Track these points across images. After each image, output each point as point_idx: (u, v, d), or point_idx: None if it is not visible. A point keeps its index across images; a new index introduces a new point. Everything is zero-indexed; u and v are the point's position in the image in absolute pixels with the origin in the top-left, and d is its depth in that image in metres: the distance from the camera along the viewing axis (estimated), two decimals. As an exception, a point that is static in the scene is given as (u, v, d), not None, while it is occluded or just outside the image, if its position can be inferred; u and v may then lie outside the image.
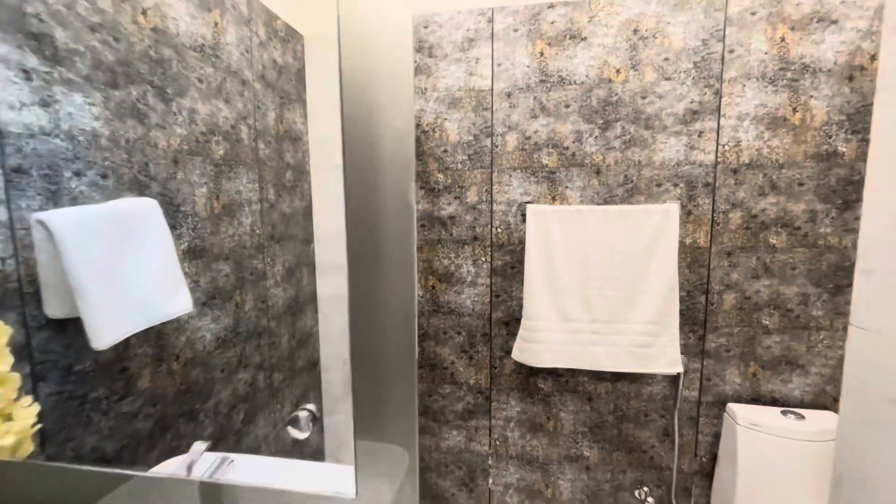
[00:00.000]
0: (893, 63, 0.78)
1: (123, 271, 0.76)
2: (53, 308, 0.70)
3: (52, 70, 0.73)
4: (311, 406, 1.34)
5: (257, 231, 1.26)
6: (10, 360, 0.62)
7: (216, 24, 1.08)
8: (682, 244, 1.36)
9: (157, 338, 0.90)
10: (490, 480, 1.59)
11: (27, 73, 0.70)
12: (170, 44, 0.94)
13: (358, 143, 0.50)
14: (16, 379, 0.62)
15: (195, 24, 1.02)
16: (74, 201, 0.75)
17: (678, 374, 1.38)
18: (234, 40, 1.14)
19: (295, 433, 1.17)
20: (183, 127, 0.98)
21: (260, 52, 1.25)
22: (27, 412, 0.62)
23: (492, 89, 1.42)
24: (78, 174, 0.76)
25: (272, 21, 1.29)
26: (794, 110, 1.27)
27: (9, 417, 0.61)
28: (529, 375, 1.51)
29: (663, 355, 1.35)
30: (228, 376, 1.11)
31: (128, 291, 0.77)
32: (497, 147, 1.44)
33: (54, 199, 0.73)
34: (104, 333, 0.72)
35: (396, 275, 0.55)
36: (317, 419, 1.27)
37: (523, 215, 1.44)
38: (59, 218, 0.67)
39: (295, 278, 1.41)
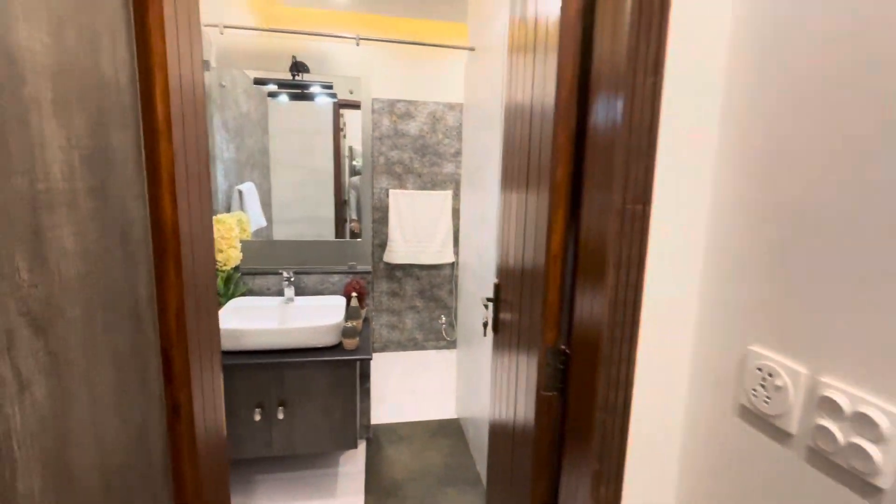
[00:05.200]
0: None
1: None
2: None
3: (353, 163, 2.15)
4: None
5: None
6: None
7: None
8: (453, 209, 3.23)
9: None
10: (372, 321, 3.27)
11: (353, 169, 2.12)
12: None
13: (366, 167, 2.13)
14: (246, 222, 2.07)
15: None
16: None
17: (453, 263, 3.26)
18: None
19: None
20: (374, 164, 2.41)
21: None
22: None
23: (371, 136, 3.07)
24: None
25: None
26: (493, 155, 3.22)
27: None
28: (392, 269, 3.23)
29: (448, 255, 3.20)
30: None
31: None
32: (375, 163, 3.10)
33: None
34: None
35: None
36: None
37: (387, 195, 3.13)
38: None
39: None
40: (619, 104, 0.61)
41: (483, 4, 1.92)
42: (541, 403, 0.83)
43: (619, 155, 0.62)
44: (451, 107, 3.12)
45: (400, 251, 3.14)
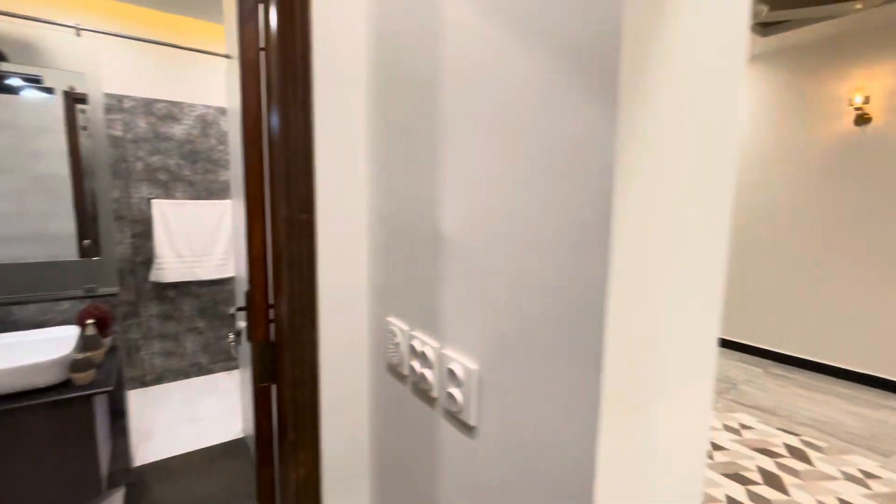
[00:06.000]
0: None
1: None
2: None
3: None
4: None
5: None
6: None
7: None
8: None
9: None
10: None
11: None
12: None
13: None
14: None
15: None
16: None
17: (233, 277, 3.08)
18: None
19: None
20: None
21: None
22: None
23: (124, 138, 2.68)
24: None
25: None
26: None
27: None
28: (162, 289, 2.87)
29: (230, 268, 3.01)
30: None
31: None
32: (132, 169, 2.71)
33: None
34: None
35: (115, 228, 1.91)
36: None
37: (150, 205, 2.77)
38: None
39: None
40: (281, 132, 0.75)
41: (235, 11, 1.91)
42: (257, 395, 0.92)
43: (283, 175, 0.75)
44: (224, 111, 2.96)
45: (172, 268, 2.81)
